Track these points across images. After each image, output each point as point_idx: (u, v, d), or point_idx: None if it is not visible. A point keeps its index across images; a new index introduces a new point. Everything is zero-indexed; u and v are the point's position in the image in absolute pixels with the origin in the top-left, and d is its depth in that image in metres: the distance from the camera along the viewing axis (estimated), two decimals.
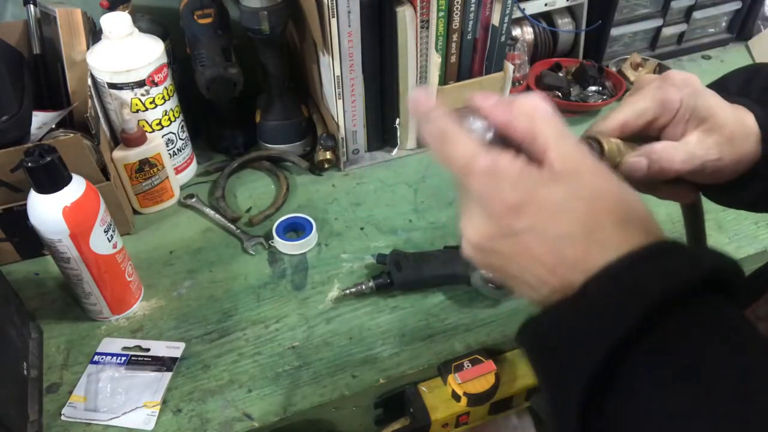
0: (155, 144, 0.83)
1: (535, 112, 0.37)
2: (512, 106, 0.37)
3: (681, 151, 0.45)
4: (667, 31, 1.18)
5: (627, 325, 0.30)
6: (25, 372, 0.66)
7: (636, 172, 0.44)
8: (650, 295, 0.30)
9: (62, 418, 0.63)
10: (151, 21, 0.91)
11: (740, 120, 0.45)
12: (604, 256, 0.33)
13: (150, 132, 0.84)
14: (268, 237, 0.83)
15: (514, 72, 0.97)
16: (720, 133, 0.45)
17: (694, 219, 0.53)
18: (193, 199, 0.89)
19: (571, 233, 0.34)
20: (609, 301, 0.32)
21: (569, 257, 0.34)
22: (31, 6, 0.87)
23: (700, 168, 0.45)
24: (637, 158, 0.44)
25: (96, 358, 0.69)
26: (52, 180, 0.62)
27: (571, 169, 0.35)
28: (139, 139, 0.81)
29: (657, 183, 0.47)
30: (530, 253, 0.35)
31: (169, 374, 0.67)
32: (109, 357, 0.69)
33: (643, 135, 0.46)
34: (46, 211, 0.62)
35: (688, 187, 0.49)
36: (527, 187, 0.35)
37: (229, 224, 0.86)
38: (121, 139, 0.82)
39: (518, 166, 0.35)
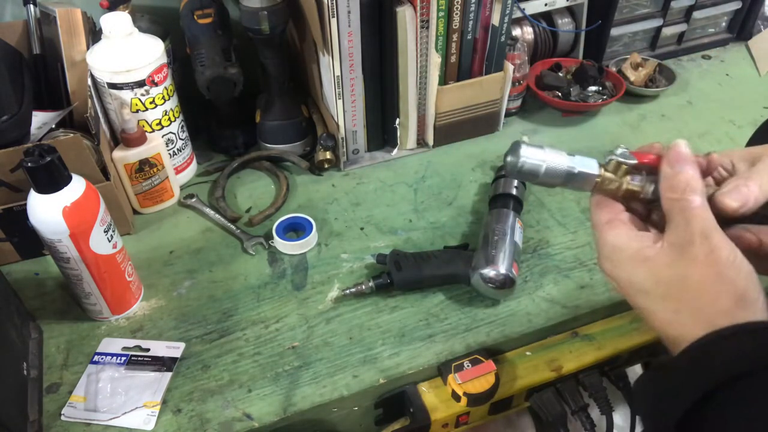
0: (155, 144, 0.83)
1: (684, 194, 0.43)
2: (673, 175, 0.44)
3: (747, 178, 0.44)
4: (667, 31, 1.18)
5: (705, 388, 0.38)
6: (25, 372, 0.66)
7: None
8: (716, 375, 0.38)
9: (62, 418, 0.63)
10: (151, 21, 0.91)
11: None
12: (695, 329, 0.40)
13: (150, 132, 0.84)
14: (268, 237, 0.83)
15: (514, 72, 0.97)
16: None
17: None
18: (193, 199, 0.89)
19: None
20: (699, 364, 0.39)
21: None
22: (31, 6, 0.87)
23: None
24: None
25: (96, 358, 0.69)
26: (52, 180, 0.62)
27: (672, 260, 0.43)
28: (139, 139, 0.81)
29: None
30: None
31: (169, 374, 0.67)
32: (109, 357, 0.69)
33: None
34: (46, 211, 0.62)
35: None
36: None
37: (229, 224, 0.86)
38: (121, 139, 0.82)
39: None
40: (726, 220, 0.43)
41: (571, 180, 0.46)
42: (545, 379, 0.70)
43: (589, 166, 0.46)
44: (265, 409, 0.64)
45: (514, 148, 0.45)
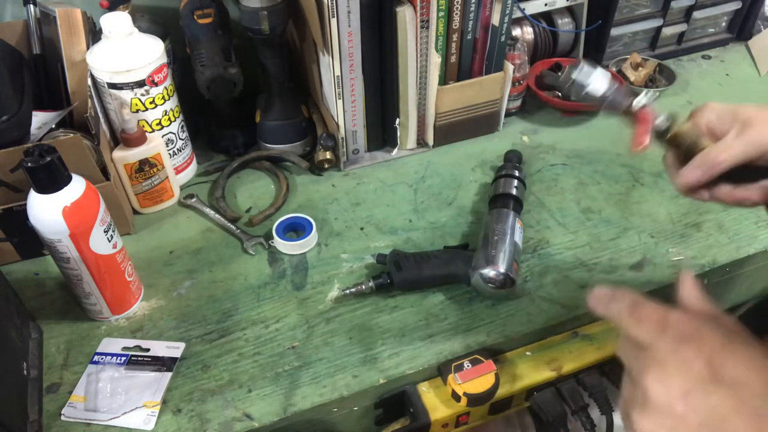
0: (155, 144, 0.83)
1: None
2: None
3: (719, 147, 0.52)
4: (667, 31, 1.18)
5: None
6: (25, 372, 0.66)
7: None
8: None
9: (62, 418, 0.63)
10: (151, 21, 0.91)
11: None
12: None
13: (150, 132, 0.84)
14: (268, 237, 0.83)
15: (514, 72, 0.97)
16: (757, 126, 0.51)
17: None
18: (193, 199, 0.89)
19: None
20: None
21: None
22: (31, 6, 0.87)
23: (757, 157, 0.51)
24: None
25: (96, 358, 0.69)
26: (52, 180, 0.62)
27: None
28: (139, 139, 0.81)
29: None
30: (725, 418, 0.33)
31: (169, 374, 0.67)
32: (109, 357, 0.69)
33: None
34: (46, 211, 0.62)
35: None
36: (728, 330, 0.37)
37: (229, 224, 0.86)
38: (121, 139, 0.82)
39: (713, 311, 0.39)
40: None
41: (605, 102, 0.56)
42: (545, 379, 0.70)
43: (622, 97, 0.56)
44: (265, 409, 0.64)
45: (578, 64, 0.56)
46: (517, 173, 0.86)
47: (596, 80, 0.55)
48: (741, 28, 1.24)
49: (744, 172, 0.53)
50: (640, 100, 0.55)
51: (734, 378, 0.34)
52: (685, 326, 0.38)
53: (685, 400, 0.35)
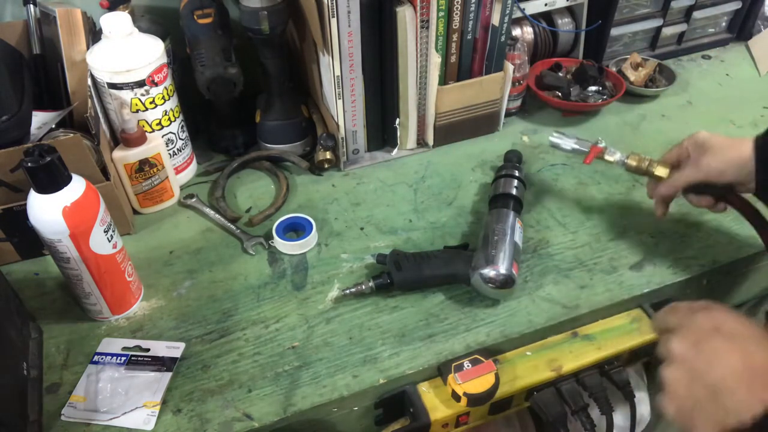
0: (155, 144, 0.83)
1: None
2: None
3: (679, 173, 0.74)
4: (667, 31, 1.18)
5: None
6: (25, 372, 0.66)
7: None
8: None
9: (62, 418, 0.63)
10: (151, 21, 0.91)
11: (735, 147, 0.69)
12: None
13: (150, 132, 0.84)
14: (268, 237, 0.83)
15: (514, 72, 0.97)
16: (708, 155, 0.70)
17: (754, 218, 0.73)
18: (193, 199, 0.89)
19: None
20: None
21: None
22: (31, 6, 0.87)
23: (703, 181, 0.71)
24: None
25: (96, 358, 0.69)
26: (52, 180, 0.62)
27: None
28: (139, 139, 0.81)
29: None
30: (722, 355, 0.46)
31: (169, 374, 0.67)
32: (109, 357, 0.69)
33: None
34: (46, 211, 0.62)
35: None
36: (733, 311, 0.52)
37: (229, 224, 0.86)
38: (121, 139, 0.82)
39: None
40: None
41: (574, 152, 0.84)
42: (545, 379, 0.70)
43: (585, 145, 0.83)
44: (265, 409, 0.64)
45: (552, 134, 0.85)
46: (517, 173, 0.86)
47: (564, 139, 0.84)
48: (741, 28, 1.24)
49: (701, 188, 0.72)
50: (598, 142, 0.82)
51: (731, 330, 0.48)
52: (701, 305, 0.52)
53: (695, 347, 0.48)
